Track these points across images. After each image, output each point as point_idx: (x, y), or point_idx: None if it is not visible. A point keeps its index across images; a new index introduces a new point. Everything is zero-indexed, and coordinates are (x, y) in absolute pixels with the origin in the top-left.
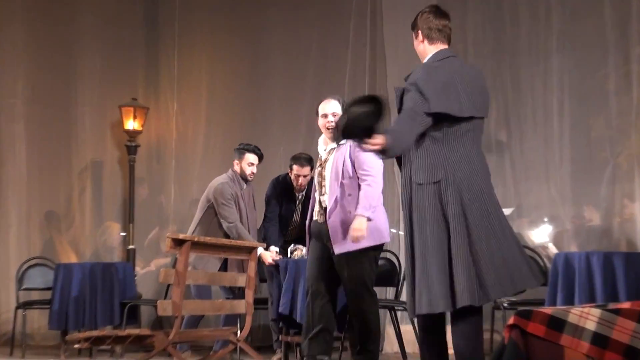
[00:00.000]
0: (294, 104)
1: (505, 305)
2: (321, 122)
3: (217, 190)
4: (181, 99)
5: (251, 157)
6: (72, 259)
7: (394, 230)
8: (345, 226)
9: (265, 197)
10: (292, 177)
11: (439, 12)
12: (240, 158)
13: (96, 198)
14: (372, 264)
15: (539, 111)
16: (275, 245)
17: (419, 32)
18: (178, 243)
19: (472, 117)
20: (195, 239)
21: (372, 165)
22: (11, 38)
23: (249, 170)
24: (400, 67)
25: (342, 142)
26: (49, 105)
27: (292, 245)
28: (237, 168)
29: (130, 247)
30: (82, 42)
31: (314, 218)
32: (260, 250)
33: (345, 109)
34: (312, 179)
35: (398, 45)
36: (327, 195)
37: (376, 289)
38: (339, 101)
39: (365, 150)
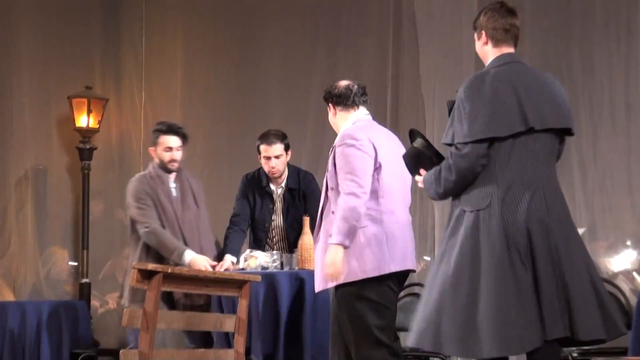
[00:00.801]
0: (298, 89)
1: (575, 355)
2: (264, 162)
3: (127, 192)
4: (150, 87)
5: (167, 140)
6: (7, 295)
7: (427, 258)
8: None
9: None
10: (262, 162)
11: (505, 9)
12: (155, 144)
13: (39, 217)
14: (374, 303)
15: (618, 101)
16: (233, 255)
17: (483, 32)
18: (146, 275)
19: (532, 129)
20: (169, 270)
21: (357, 166)
22: None
23: (167, 156)
24: (435, 41)
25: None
26: None
27: (248, 251)
28: (155, 158)
29: (84, 280)
30: (19, 20)
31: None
32: (190, 255)
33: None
34: (299, 172)
35: (432, 15)
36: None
37: (401, 334)
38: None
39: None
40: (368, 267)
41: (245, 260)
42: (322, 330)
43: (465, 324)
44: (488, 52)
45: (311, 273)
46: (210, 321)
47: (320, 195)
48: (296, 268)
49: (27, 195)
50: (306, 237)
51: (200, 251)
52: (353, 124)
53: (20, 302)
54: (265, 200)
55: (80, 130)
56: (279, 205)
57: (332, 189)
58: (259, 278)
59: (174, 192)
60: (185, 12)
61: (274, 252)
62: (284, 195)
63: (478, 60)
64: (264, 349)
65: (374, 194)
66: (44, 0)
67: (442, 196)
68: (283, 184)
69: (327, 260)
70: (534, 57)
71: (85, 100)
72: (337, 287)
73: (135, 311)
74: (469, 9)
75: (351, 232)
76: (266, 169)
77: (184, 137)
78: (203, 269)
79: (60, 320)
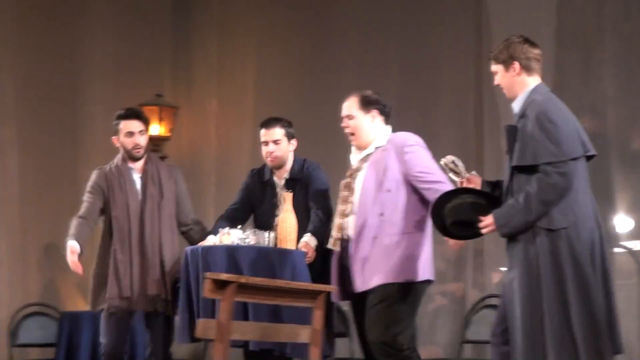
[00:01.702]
0: None
1: None
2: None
3: None
4: (221, 94)
5: (127, 124)
6: (81, 305)
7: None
8: (374, 260)
9: None
10: (262, 150)
11: (531, 41)
12: (116, 131)
13: None
14: (411, 310)
15: None
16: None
17: (515, 63)
18: (220, 285)
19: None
20: (243, 280)
21: (429, 166)
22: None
23: (129, 142)
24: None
25: (380, 145)
26: (47, 104)
27: (224, 229)
28: (119, 147)
29: None
30: (91, 24)
31: (330, 246)
32: (67, 243)
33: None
34: (304, 162)
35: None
36: (352, 218)
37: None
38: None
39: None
40: (432, 269)
41: (220, 237)
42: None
43: (561, 340)
44: (521, 81)
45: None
46: (285, 332)
47: (323, 184)
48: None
49: None
50: (287, 215)
51: (159, 240)
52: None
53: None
54: (267, 194)
55: (151, 138)
56: (281, 203)
57: (389, 191)
58: (333, 288)
59: (136, 183)
60: (258, 16)
61: (250, 230)
62: (285, 186)
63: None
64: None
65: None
66: (115, 9)
67: (530, 223)
68: (286, 176)
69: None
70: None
71: (156, 108)
72: (392, 287)
73: (209, 322)
74: (548, 25)
75: None
76: (264, 155)
77: (145, 121)
78: (68, 258)
79: (134, 329)
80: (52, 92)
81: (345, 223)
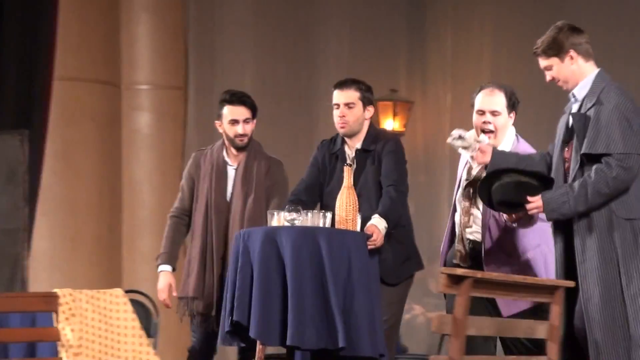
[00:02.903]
0: None
1: None
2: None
3: None
4: (456, 88)
5: (232, 111)
6: None
7: None
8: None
9: None
10: (334, 116)
11: (576, 27)
12: (219, 116)
13: None
14: None
15: None
16: None
17: (571, 51)
18: (455, 280)
19: None
20: (479, 275)
21: None
22: (238, 19)
23: (232, 130)
24: None
25: (506, 148)
26: (282, 100)
27: (294, 210)
28: (220, 130)
29: None
30: (326, 19)
31: (457, 261)
32: (161, 270)
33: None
34: (381, 132)
35: None
36: (475, 229)
37: None
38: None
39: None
40: None
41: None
42: None
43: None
44: (580, 69)
45: None
46: (522, 327)
47: (399, 159)
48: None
49: None
50: (344, 192)
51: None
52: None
53: None
54: (337, 167)
55: None
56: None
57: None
58: (572, 283)
59: (229, 175)
60: (493, 9)
61: (303, 210)
62: (356, 158)
63: None
64: None
65: None
66: (350, 3)
67: (580, 213)
68: (357, 146)
69: None
70: None
71: (390, 104)
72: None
73: (445, 317)
74: None
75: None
76: (335, 121)
77: (252, 108)
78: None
79: None
80: (286, 91)
81: (470, 236)
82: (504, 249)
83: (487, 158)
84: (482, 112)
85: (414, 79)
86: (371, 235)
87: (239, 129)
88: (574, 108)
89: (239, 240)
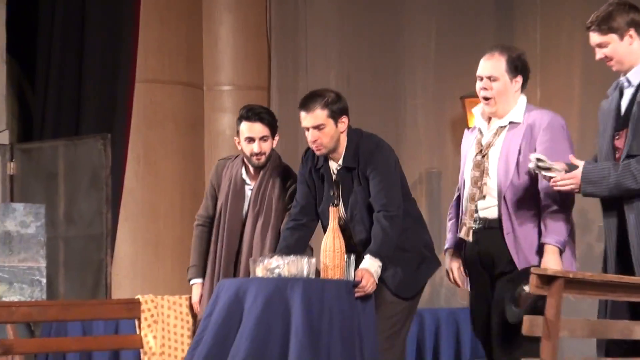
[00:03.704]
0: None
1: None
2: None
3: None
4: (546, 86)
5: (248, 128)
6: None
7: None
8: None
9: None
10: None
11: (636, 7)
12: (238, 131)
13: (433, 222)
14: None
15: None
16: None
17: (631, 30)
18: (546, 281)
19: None
20: (570, 276)
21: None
22: (322, 18)
23: (248, 148)
24: None
25: (516, 120)
26: (368, 99)
27: (275, 258)
28: (238, 147)
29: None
30: (412, 16)
31: (462, 236)
32: (193, 283)
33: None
34: (360, 140)
35: None
36: (489, 202)
37: None
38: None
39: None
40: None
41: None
42: None
43: None
44: (638, 50)
45: None
46: (618, 328)
47: (386, 171)
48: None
49: (422, 199)
50: (327, 235)
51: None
52: None
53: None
54: (323, 186)
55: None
56: (337, 188)
57: (518, 179)
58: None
59: (247, 195)
60: (586, 1)
61: (286, 257)
62: (338, 177)
63: None
64: None
65: None
66: (434, 2)
67: (622, 192)
68: (338, 164)
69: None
70: None
71: (477, 100)
72: None
73: (536, 318)
74: None
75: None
76: (309, 143)
77: (271, 125)
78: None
79: (457, 327)
80: (374, 89)
81: (475, 208)
82: (525, 226)
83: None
84: (480, 78)
85: None
86: (359, 282)
87: (255, 147)
88: (627, 94)
89: (217, 288)
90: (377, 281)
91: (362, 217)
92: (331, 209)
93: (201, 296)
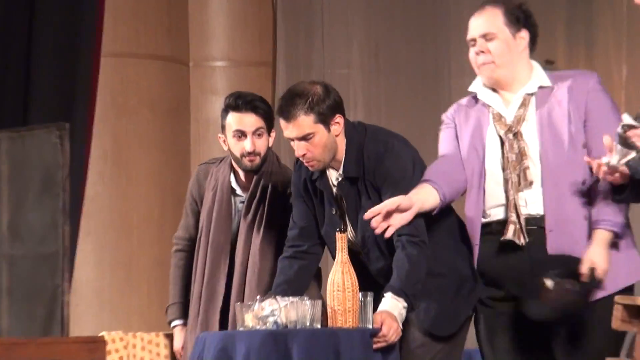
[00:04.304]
0: None
1: None
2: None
3: None
4: (635, 60)
5: (237, 120)
6: None
7: None
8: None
9: None
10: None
11: None
12: (223, 125)
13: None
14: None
15: None
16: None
17: None
18: (635, 314)
19: None
20: None
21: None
22: None
23: (238, 147)
24: None
25: (544, 84)
26: (401, 78)
27: (268, 301)
28: (224, 147)
29: None
30: None
31: (509, 237)
32: (174, 325)
33: None
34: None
35: None
36: (535, 193)
37: None
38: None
39: None
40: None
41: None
42: None
43: None
44: None
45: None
46: None
47: (403, 178)
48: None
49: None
50: (335, 269)
51: (252, 289)
52: None
53: None
54: (323, 203)
55: None
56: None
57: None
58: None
59: (237, 206)
60: None
61: (282, 299)
62: (338, 190)
63: None
64: None
65: None
66: None
67: None
68: (338, 175)
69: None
70: None
71: None
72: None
73: None
74: None
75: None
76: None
77: (266, 117)
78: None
79: None
80: (409, 65)
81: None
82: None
83: None
84: (472, 42)
85: (577, 47)
86: (379, 330)
87: (247, 144)
88: None
89: (197, 346)
90: (401, 327)
91: (377, 240)
92: (338, 236)
93: (185, 342)
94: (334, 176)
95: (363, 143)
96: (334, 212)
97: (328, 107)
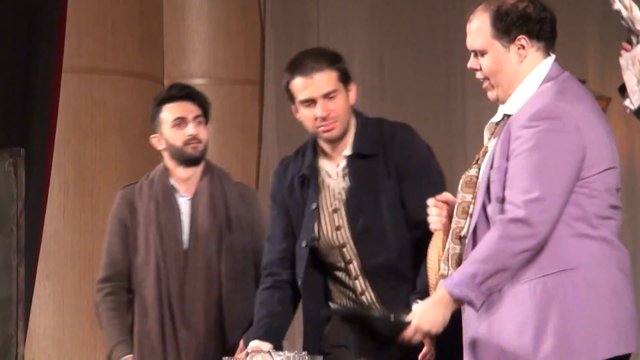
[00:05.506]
0: None
1: None
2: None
3: None
4: None
5: (174, 109)
6: None
7: None
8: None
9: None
10: (306, 119)
11: None
12: (156, 122)
13: None
14: None
15: None
16: (268, 340)
17: None
18: None
19: None
20: None
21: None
22: None
23: (177, 137)
24: None
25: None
26: (408, 97)
27: (261, 356)
28: (159, 147)
29: None
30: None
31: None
32: None
33: None
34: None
35: None
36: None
37: None
38: None
39: None
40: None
41: None
42: None
43: None
44: None
45: None
46: None
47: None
48: None
49: None
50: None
51: (218, 302)
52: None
53: None
54: (309, 196)
55: None
56: (341, 196)
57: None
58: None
59: (184, 211)
60: None
61: (278, 353)
62: (346, 171)
63: None
64: None
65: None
66: None
67: None
68: (346, 152)
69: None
70: None
71: None
72: None
73: None
74: None
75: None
76: (310, 126)
77: (203, 106)
78: None
79: None
80: (417, 83)
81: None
82: None
83: None
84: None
85: (609, 67)
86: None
87: (189, 129)
88: None
89: None
90: None
91: (385, 235)
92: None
93: None
94: (328, 167)
95: (370, 120)
96: (313, 208)
97: (347, 70)
